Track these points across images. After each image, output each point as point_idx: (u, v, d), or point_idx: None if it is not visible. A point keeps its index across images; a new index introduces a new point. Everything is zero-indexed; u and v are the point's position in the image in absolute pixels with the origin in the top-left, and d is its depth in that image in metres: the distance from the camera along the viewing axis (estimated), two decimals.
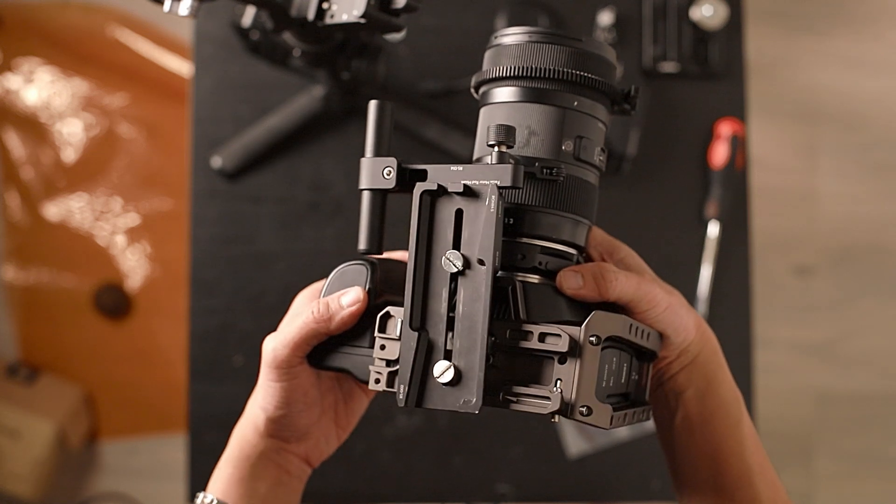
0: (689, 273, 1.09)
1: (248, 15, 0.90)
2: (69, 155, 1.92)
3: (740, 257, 1.11)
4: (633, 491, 1.07)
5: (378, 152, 0.54)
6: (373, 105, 0.54)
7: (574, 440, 1.07)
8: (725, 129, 1.10)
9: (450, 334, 0.51)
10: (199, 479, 1.06)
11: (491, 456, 1.07)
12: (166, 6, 0.69)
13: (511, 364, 0.52)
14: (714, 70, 1.12)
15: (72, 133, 1.92)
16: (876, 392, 1.91)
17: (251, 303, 1.08)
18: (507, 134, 0.50)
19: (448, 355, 0.51)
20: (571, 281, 0.54)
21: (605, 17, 1.11)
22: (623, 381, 0.55)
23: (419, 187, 0.51)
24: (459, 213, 0.51)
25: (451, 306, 0.51)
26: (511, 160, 0.51)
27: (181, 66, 1.89)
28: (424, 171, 0.52)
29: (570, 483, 1.07)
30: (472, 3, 1.12)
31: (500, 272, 0.54)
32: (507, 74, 0.54)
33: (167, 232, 1.90)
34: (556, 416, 0.49)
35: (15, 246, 1.92)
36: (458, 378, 0.50)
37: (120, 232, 1.91)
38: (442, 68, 1.10)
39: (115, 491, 1.87)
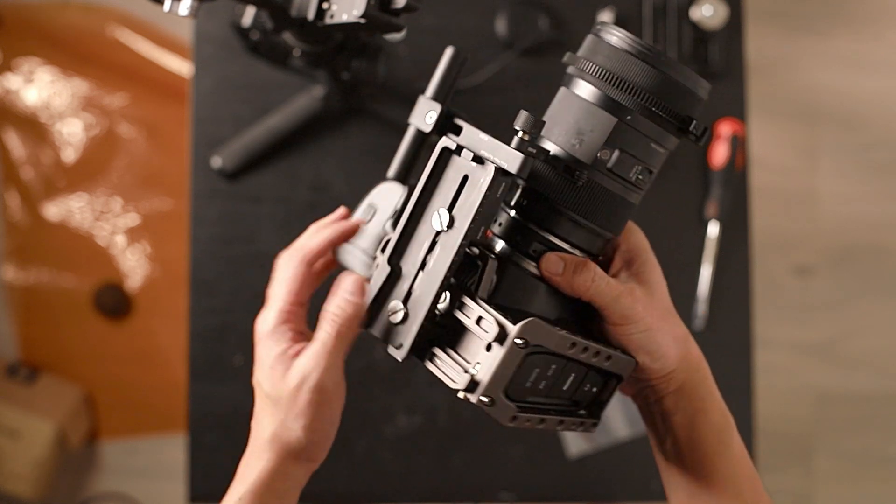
0: (689, 273, 1.09)
1: (248, 15, 0.90)
2: (69, 155, 1.92)
3: (740, 257, 1.11)
4: (633, 491, 1.07)
5: (435, 96, 0.57)
6: (449, 51, 0.57)
7: (574, 440, 1.07)
8: (725, 129, 1.10)
9: (416, 281, 0.54)
10: (199, 479, 1.06)
11: (491, 456, 1.07)
12: (166, 6, 0.69)
13: (453, 330, 0.54)
14: (714, 70, 1.11)
15: (72, 133, 1.92)
16: (876, 392, 1.91)
17: (251, 303, 1.08)
18: (531, 124, 0.51)
19: (406, 298, 0.54)
20: (552, 264, 0.55)
21: (605, 18, 1.11)
22: (568, 388, 0.56)
23: (443, 141, 0.54)
24: (465, 178, 0.53)
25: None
26: (532, 150, 0.51)
27: (181, 66, 1.89)
28: (460, 129, 0.55)
29: (570, 483, 1.07)
30: (472, 3, 1.12)
31: (501, 248, 0.57)
32: (586, 70, 0.55)
33: (167, 232, 1.90)
34: (463, 394, 0.51)
35: (15, 246, 1.92)
36: (403, 321, 0.53)
37: (120, 232, 1.91)
38: None
39: (115, 491, 1.87)
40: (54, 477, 1.83)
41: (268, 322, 0.58)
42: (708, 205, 1.09)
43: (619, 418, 1.07)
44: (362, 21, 0.70)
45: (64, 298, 1.91)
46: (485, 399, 0.51)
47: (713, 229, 1.09)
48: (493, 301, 0.54)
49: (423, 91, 0.60)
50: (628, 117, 0.53)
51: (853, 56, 1.94)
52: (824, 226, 1.92)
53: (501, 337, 0.50)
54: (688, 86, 0.54)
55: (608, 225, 0.56)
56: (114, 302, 1.89)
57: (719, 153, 1.10)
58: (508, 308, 0.53)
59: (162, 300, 1.90)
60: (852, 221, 1.92)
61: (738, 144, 1.10)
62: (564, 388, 0.55)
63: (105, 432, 1.90)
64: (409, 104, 1.06)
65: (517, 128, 0.51)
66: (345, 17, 0.71)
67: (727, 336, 1.10)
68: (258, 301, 1.10)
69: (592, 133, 0.54)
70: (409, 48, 1.11)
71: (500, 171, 0.51)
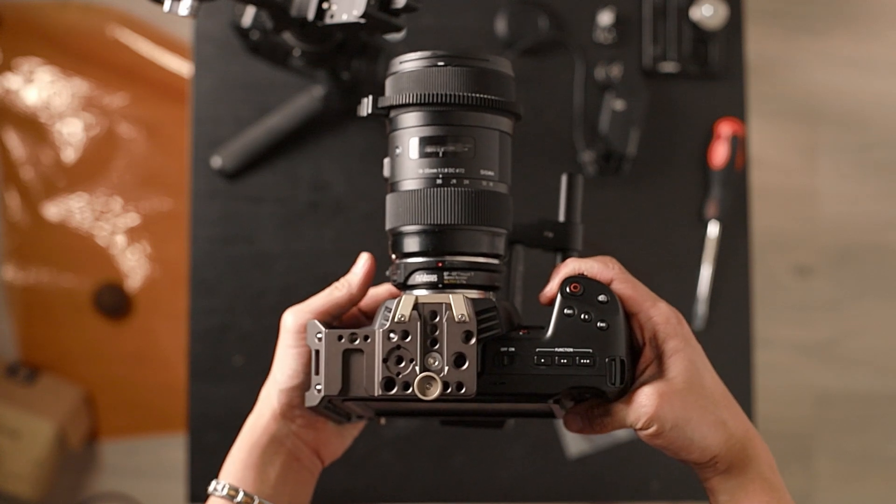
0: (689, 273, 1.09)
1: (248, 15, 0.90)
2: (69, 155, 1.92)
3: (740, 257, 1.11)
4: (633, 491, 1.07)
5: (570, 218, 0.64)
6: (564, 179, 0.64)
7: (574, 440, 1.07)
8: (725, 129, 1.10)
9: None
10: (199, 478, 1.06)
11: (491, 456, 1.07)
12: (166, 6, 0.70)
13: None
14: (714, 70, 1.12)
15: (72, 133, 1.92)
16: (876, 392, 1.91)
17: (251, 303, 1.08)
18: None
19: None
20: (572, 424, 0.60)
21: (605, 17, 1.11)
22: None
23: None
24: None
25: None
26: None
27: (181, 66, 1.89)
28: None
29: (570, 483, 1.07)
30: (472, 3, 1.12)
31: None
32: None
33: (167, 232, 1.90)
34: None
35: (15, 246, 1.92)
36: None
37: (120, 232, 1.91)
38: None
39: (115, 491, 1.87)
40: (54, 477, 1.83)
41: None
42: (708, 205, 1.09)
43: None
44: (362, 21, 0.70)
45: (64, 298, 1.91)
46: None
47: (713, 229, 1.09)
48: None
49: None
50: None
51: (853, 56, 1.94)
52: (824, 226, 1.92)
53: None
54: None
55: (487, 220, 0.59)
56: (114, 302, 1.89)
57: (719, 153, 1.10)
58: None
59: (162, 300, 1.90)
60: (852, 221, 1.92)
61: (738, 144, 1.10)
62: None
63: (105, 432, 1.90)
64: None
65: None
66: (345, 17, 0.71)
67: (727, 336, 1.10)
68: (258, 301, 1.10)
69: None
70: (409, 48, 1.11)
71: None
